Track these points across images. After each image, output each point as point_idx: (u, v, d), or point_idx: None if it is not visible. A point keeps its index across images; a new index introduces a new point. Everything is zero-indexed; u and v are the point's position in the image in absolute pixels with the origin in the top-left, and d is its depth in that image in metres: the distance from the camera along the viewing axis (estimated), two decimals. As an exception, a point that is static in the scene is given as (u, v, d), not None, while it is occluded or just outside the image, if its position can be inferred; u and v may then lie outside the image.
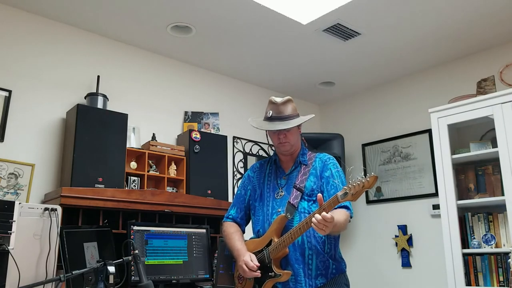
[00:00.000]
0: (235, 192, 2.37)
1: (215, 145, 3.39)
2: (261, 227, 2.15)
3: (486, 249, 3.04)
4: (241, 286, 2.16)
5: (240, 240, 2.18)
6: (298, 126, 2.17)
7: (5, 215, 1.88)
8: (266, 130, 2.20)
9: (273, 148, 2.28)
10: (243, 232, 2.29)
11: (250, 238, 2.22)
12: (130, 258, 1.94)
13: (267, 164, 2.31)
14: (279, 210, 2.09)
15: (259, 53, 3.61)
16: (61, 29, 3.11)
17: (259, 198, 2.23)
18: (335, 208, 2.00)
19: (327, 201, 1.85)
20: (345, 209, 2.04)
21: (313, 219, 1.79)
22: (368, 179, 1.75)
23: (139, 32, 3.26)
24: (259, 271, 2.01)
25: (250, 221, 2.32)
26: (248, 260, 2.03)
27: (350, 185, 1.79)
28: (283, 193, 2.14)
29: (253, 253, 2.09)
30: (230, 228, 2.25)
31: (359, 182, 1.76)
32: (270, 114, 2.12)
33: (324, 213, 1.76)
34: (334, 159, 2.20)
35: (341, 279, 2.09)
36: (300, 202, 2.07)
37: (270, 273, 2.01)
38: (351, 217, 2.06)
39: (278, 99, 2.13)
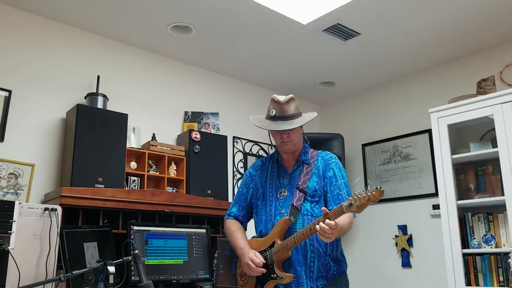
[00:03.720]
0: (237, 189, 2.36)
1: (215, 145, 3.39)
2: (264, 228, 2.15)
3: (486, 249, 3.03)
4: (243, 284, 2.16)
5: (243, 238, 2.17)
6: (301, 125, 2.15)
7: (5, 215, 1.88)
8: (269, 130, 2.18)
9: (274, 147, 2.28)
10: (245, 229, 2.28)
11: (253, 237, 2.22)
12: (130, 258, 1.94)
13: (269, 162, 2.29)
14: (282, 211, 2.09)
15: (259, 53, 3.61)
16: (61, 29, 3.11)
17: (261, 197, 2.22)
18: None
19: (331, 210, 1.85)
20: None
21: (318, 226, 1.80)
22: (374, 192, 1.75)
23: (139, 32, 3.26)
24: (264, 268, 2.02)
25: (252, 219, 2.32)
26: (254, 256, 2.03)
27: (355, 197, 1.78)
28: (286, 193, 2.13)
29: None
30: (232, 226, 2.24)
31: (364, 195, 1.76)
32: (274, 113, 2.08)
33: (327, 220, 1.78)
34: (336, 158, 2.20)
35: (342, 280, 2.10)
36: (303, 204, 2.07)
37: (272, 275, 2.02)
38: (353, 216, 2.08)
39: (281, 98, 2.09)
